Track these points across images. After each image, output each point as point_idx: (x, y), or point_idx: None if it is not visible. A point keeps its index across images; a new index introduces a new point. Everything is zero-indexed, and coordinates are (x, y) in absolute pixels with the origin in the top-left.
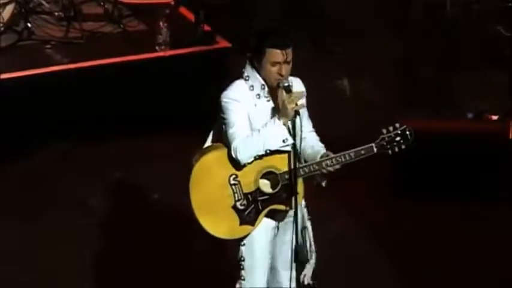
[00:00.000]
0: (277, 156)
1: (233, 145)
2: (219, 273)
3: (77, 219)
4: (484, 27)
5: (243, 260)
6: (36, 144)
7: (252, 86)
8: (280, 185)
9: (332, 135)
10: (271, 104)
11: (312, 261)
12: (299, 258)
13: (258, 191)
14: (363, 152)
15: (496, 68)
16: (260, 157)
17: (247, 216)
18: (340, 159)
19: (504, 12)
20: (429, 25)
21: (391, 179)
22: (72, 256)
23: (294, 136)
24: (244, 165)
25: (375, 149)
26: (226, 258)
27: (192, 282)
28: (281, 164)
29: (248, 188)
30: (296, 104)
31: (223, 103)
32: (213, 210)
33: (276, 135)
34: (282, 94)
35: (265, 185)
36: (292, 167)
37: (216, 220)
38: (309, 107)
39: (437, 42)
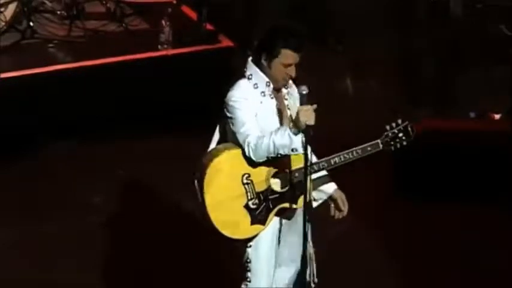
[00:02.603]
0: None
1: (247, 143)
2: (222, 274)
3: (78, 219)
4: (487, 27)
5: (249, 262)
6: (38, 143)
7: (256, 84)
8: (290, 184)
9: (334, 135)
10: (275, 101)
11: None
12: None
13: (269, 189)
14: (369, 148)
15: (498, 67)
16: (273, 159)
17: (259, 215)
18: (348, 156)
19: (507, 11)
20: (433, 24)
21: (392, 179)
22: (73, 255)
23: (305, 148)
24: (259, 164)
25: (381, 145)
26: (230, 258)
27: (195, 283)
28: (292, 163)
29: (260, 186)
30: (309, 119)
31: (231, 103)
32: (226, 211)
33: (285, 144)
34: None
35: (276, 184)
36: (304, 174)
37: (229, 220)
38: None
39: (440, 42)
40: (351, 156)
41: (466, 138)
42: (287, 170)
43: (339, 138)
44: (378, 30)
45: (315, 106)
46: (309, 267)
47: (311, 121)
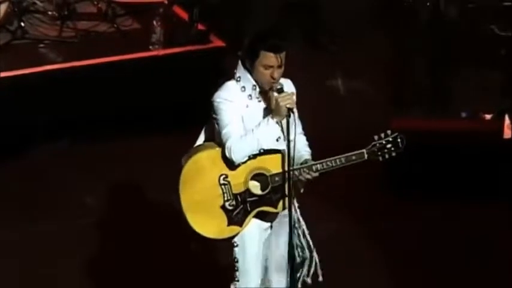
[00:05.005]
0: (268, 157)
1: (227, 145)
2: (216, 274)
3: (76, 219)
4: (479, 27)
5: (237, 261)
6: (30, 143)
7: (244, 87)
8: (270, 187)
9: (326, 135)
10: (262, 105)
11: (307, 261)
12: (293, 261)
13: (248, 192)
14: (353, 157)
15: (490, 67)
16: (254, 156)
17: (236, 217)
18: (330, 164)
19: (498, 11)
20: (423, 25)
21: (385, 179)
22: (71, 256)
23: (288, 135)
24: (238, 165)
25: (366, 156)
26: (223, 259)
27: (190, 283)
28: (272, 166)
29: (238, 188)
30: (289, 102)
31: (215, 103)
32: (201, 210)
33: (270, 134)
34: (274, 94)
35: (255, 187)
36: (286, 166)
37: (204, 219)
38: (303, 106)
39: (431, 42)
40: (333, 164)
41: (457, 138)
42: (267, 174)
43: (330, 138)
44: (371, 30)
45: (292, 92)
46: (304, 268)
47: (291, 105)
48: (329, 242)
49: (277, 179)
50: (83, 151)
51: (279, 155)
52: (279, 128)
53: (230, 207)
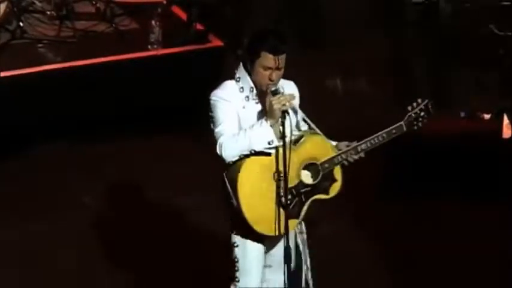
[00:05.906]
0: (316, 146)
1: (219, 141)
2: (216, 274)
3: (76, 219)
4: (477, 27)
5: (237, 261)
6: (30, 144)
7: (242, 87)
8: (321, 175)
9: (325, 135)
10: (259, 107)
11: (305, 265)
12: (288, 262)
13: (301, 183)
14: (394, 131)
15: (488, 67)
16: (244, 158)
17: (293, 210)
18: (373, 142)
19: (496, 11)
20: (422, 24)
21: (384, 179)
22: (71, 256)
23: (284, 137)
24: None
25: (405, 128)
26: (224, 258)
27: (190, 283)
28: (321, 154)
29: (292, 182)
30: (283, 105)
31: (212, 101)
32: (260, 209)
33: (262, 136)
34: (269, 96)
35: (307, 176)
36: (286, 167)
37: (264, 218)
38: (303, 106)
39: (430, 42)
40: (376, 141)
41: (456, 138)
42: (317, 162)
43: (329, 138)
44: (369, 30)
45: (288, 93)
46: (303, 274)
47: (285, 107)
48: (329, 243)
49: (327, 165)
50: (83, 151)
51: (321, 140)
52: (272, 131)
53: (287, 202)
